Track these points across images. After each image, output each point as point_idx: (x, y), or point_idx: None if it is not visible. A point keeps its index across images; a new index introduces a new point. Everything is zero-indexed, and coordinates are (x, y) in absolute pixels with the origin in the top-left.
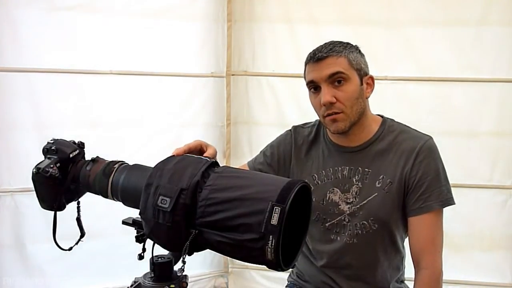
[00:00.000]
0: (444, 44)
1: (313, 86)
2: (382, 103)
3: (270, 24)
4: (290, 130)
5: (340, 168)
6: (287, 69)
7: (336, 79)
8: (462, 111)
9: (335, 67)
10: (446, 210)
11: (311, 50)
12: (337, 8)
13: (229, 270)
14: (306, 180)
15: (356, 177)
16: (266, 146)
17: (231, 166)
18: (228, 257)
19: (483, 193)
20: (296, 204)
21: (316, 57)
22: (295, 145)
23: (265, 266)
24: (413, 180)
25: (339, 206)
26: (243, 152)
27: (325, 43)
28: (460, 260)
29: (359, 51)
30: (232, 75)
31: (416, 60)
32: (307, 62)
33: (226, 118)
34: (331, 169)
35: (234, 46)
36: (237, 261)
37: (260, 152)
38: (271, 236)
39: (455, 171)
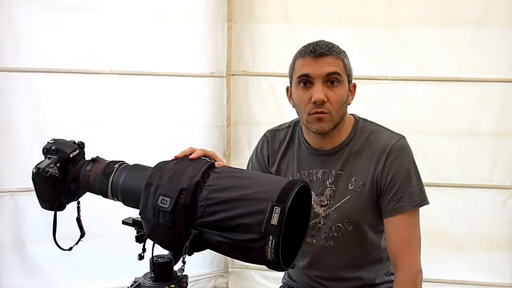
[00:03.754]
0: (444, 44)
1: (304, 81)
2: (382, 103)
3: (270, 24)
4: (266, 135)
5: (314, 171)
6: (287, 69)
7: (331, 80)
8: (462, 111)
9: (333, 67)
10: (446, 210)
11: (304, 45)
12: (337, 8)
13: (229, 270)
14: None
15: (330, 180)
16: (250, 160)
17: (231, 166)
18: (228, 257)
19: (483, 193)
20: (296, 204)
21: (317, 53)
22: (272, 151)
23: (265, 266)
24: (385, 182)
25: (314, 209)
26: (243, 152)
27: (321, 41)
28: (460, 260)
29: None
30: (232, 75)
31: (416, 60)
32: (302, 55)
33: (226, 118)
34: (305, 172)
35: (234, 46)
36: (237, 261)
37: (247, 168)
38: (271, 236)
39: (455, 171)
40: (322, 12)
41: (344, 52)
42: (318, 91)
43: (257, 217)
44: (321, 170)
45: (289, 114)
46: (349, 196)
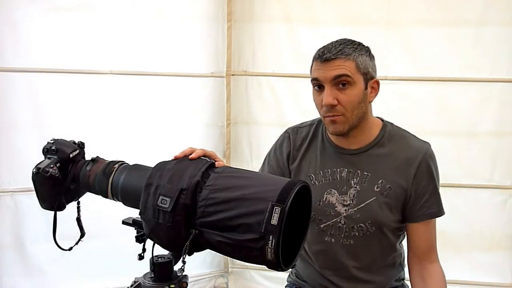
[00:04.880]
0: (444, 44)
1: (317, 84)
2: (382, 103)
3: (270, 24)
4: (288, 132)
5: (339, 170)
6: (287, 69)
7: (341, 82)
8: (462, 111)
9: (341, 70)
10: (446, 210)
11: (320, 47)
12: (337, 8)
13: (229, 270)
14: (305, 181)
15: (355, 179)
16: (268, 155)
17: (231, 166)
18: (228, 257)
19: (483, 193)
20: (296, 204)
21: (324, 58)
22: (293, 147)
23: (265, 266)
24: (416, 188)
25: (336, 208)
26: (243, 152)
27: (336, 41)
28: (460, 260)
29: (369, 53)
30: (232, 75)
31: (416, 60)
32: (314, 59)
33: (226, 118)
34: (329, 170)
35: (234, 46)
36: (237, 261)
37: (263, 163)
38: (271, 236)
39: (455, 171)
40: (322, 12)
41: (362, 49)
42: (327, 95)
43: (257, 217)
44: (346, 169)
45: (289, 114)
46: (374, 197)
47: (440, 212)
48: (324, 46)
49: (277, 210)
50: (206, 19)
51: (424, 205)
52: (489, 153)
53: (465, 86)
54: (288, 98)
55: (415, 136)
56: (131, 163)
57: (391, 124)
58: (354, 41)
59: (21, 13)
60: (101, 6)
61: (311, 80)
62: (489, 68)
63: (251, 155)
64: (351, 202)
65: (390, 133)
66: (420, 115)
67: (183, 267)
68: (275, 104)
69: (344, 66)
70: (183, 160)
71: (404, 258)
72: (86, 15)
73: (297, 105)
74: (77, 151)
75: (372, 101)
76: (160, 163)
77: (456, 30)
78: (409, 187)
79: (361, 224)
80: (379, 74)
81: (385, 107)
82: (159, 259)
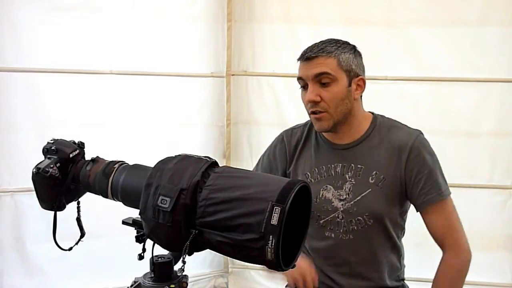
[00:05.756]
0: (444, 44)
1: (302, 84)
2: (382, 103)
3: (270, 24)
4: (282, 135)
5: (333, 165)
6: (287, 69)
7: (322, 79)
8: (462, 111)
9: (322, 68)
10: None
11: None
12: (337, 8)
13: (229, 270)
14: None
15: (349, 173)
16: (261, 159)
17: (231, 166)
18: (228, 257)
19: (482, 193)
20: (296, 204)
21: (305, 56)
22: (289, 149)
23: (265, 266)
24: (410, 176)
25: (332, 203)
26: (243, 153)
27: (320, 42)
28: None
29: (355, 51)
30: (232, 75)
31: (416, 60)
32: (298, 59)
33: (226, 118)
34: (324, 166)
35: (234, 46)
36: (237, 261)
37: (257, 164)
38: (271, 236)
39: (455, 171)
40: (322, 12)
41: (345, 47)
42: (309, 92)
43: (257, 217)
44: (340, 164)
45: (289, 114)
46: (370, 189)
47: (440, 195)
48: (308, 46)
49: (277, 210)
50: (206, 19)
51: (421, 192)
52: (489, 153)
53: (465, 86)
54: (288, 98)
55: (406, 125)
56: (131, 163)
57: (382, 116)
58: (339, 40)
59: (22, 13)
60: (101, 6)
61: (297, 80)
62: (489, 68)
63: (251, 155)
64: (347, 196)
65: (381, 124)
66: (420, 115)
67: (183, 267)
68: (275, 104)
69: (325, 64)
70: (183, 160)
71: (403, 256)
72: (86, 15)
73: (297, 105)
74: (77, 151)
75: (357, 98)
76: (159, 162)
77: (456, 30)
78: (403, 175)
79: (359, 217)
80: (380, 74)
81: (385, 107)
82: (159, 259)
